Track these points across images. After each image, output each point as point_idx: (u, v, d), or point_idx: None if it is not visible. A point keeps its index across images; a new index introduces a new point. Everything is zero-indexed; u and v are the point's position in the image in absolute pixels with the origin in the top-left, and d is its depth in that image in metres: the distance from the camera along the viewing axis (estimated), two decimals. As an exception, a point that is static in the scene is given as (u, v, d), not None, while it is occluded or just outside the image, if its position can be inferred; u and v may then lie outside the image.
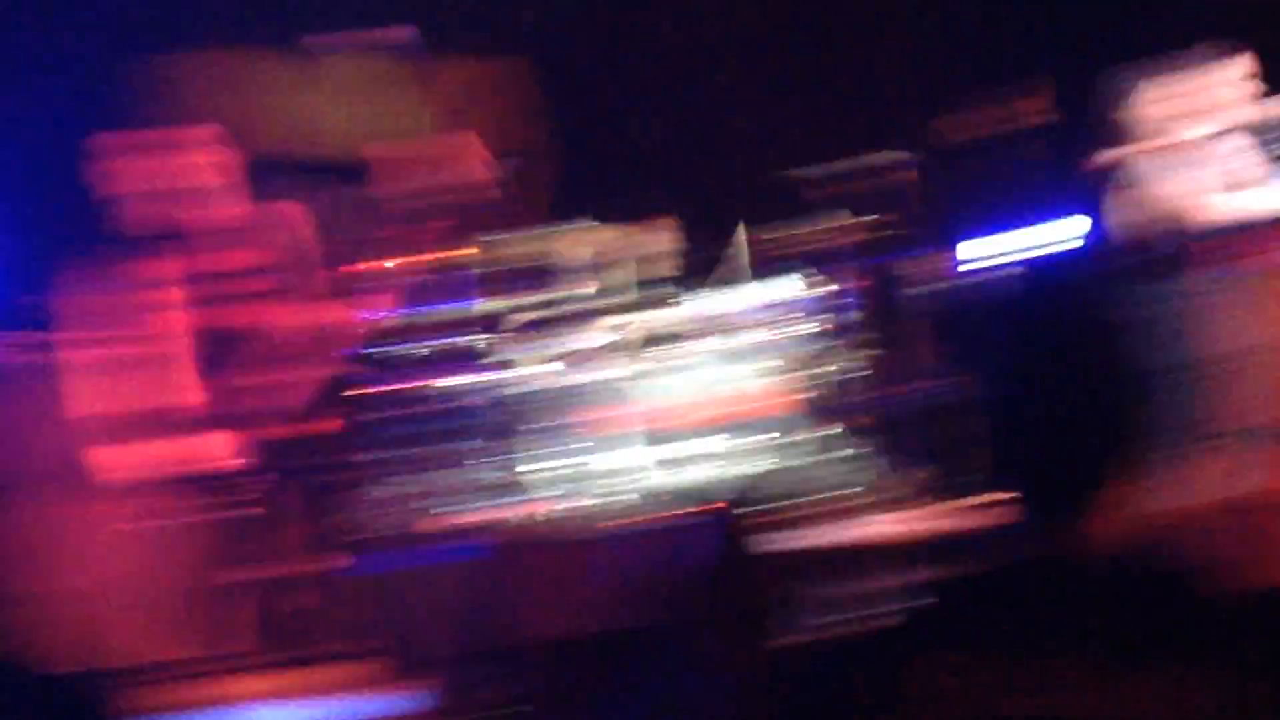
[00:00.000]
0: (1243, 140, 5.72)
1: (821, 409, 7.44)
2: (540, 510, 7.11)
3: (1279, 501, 6.13)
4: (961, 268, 8.02)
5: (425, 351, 7.26)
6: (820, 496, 7.16)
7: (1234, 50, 5.84)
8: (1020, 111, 7.57)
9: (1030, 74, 7.72)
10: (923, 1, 9.60)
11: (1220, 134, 5.75)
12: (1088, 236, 8.19)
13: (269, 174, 8.11)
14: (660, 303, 7.68)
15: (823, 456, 7.36)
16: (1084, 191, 8.27)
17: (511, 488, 6.26)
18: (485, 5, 9.19)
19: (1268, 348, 7.37)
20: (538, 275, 8.23)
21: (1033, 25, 9.46)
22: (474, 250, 7.13)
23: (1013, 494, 1.49)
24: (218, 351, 5.77)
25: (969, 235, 8.11)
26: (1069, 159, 8.04)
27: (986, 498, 7.20)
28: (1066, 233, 8.10)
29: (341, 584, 6.09)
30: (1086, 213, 8.28)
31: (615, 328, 7.62)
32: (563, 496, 7.23)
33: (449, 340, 7.42)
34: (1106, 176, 8.15)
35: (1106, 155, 6.93)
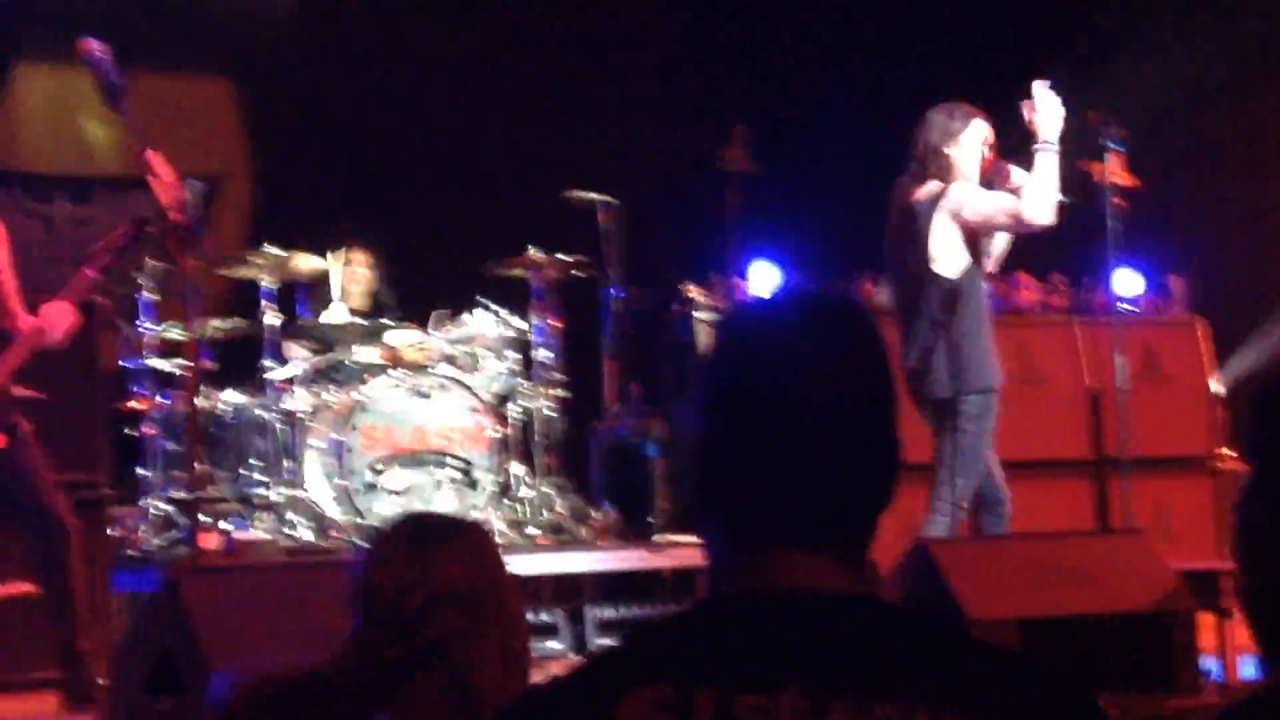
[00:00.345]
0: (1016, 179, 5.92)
1: (513, 445, 7.46)
2: (223, 538, 6.97)
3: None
4: (668, 308, 8.16)
5: (110, 372, 7.05)
6: (509, 531, 7.18)
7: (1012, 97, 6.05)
8: (729, 159, 7.73)
9: (737, 122, 7.89)
10: (638, 45, 9.76)
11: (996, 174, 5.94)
12: (788, 279, 8.42)
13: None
14: (356, 333, 7.62)
15: (514, 492, 7.39)
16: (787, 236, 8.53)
17: (197, 514, 6.12)
18: (188, 24, 9.02)
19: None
20: (228, 300, 8.08)
21: (734, 75, 9.70)
22: (161, 272, 6.96)
23: (707, 532, 1.52)
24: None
25: (676, 276, 8.24)
26: (775, 205, 8.28)
27: (680, 536, 7.33)
28: (772, 277, 8.32)
29: (14, 610, 5.88)
30: (787, 258, 8.52)
31: (306, 357, 7.52)
32: (248, 524, 7.10)
33: (135, 363, 7.24)
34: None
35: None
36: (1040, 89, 6.04)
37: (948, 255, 5.94)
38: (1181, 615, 4.49)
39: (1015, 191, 6.02)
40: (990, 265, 6.25)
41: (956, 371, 5.90)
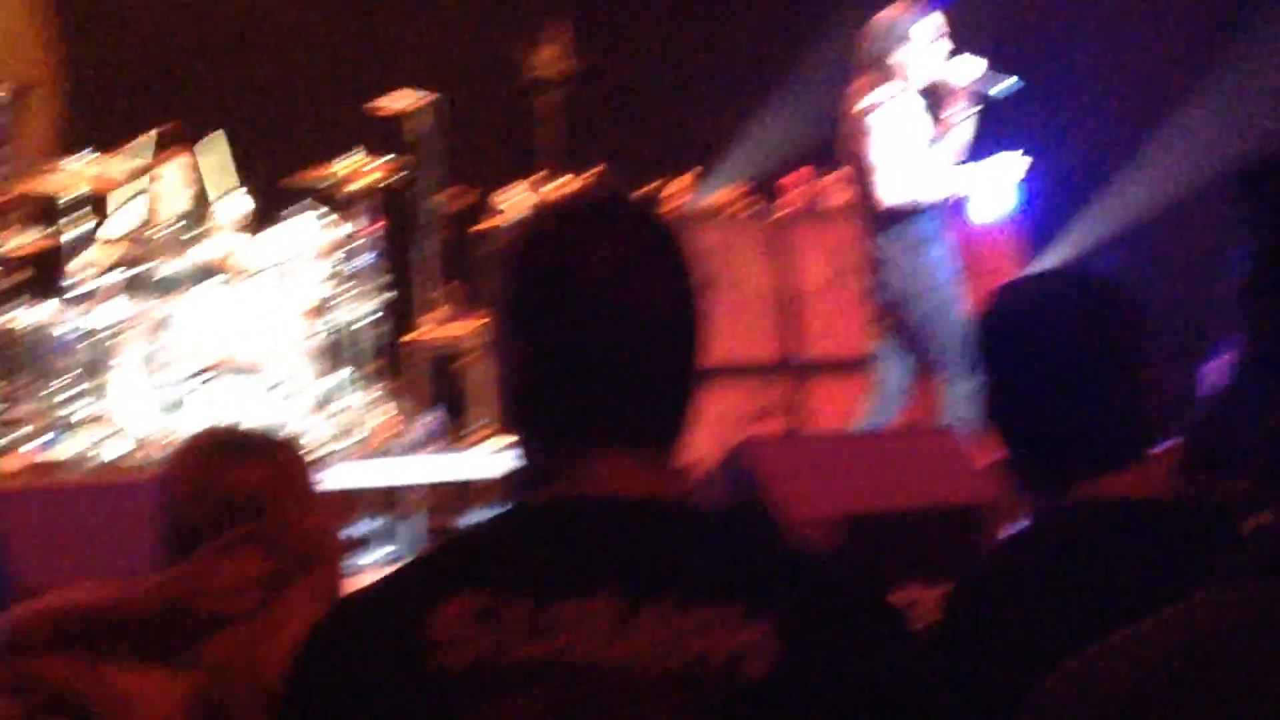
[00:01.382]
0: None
1: (335, 352, 7.38)
2: (29, 459, 6.80)
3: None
4: (487, 209, 8.08)
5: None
6: (332, 440, 7.12)
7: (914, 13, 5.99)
8: (542, 60, 7.66)
9: (555, 22, 7.81)
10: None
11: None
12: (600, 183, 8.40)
13: None
14: (168, 242, 7.45)
15: (335, 401, 7.32)
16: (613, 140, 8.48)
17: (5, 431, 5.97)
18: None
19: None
20: (37, 209, 7.86)
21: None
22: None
23: (519, 437, 1.51)
24: None
25: (496, 181, 8.16)
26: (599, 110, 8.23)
27: (502, 441, 7.31)
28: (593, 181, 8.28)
29: None
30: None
31: (117, 268, 7.33)
32: (55, 443, 6.94)
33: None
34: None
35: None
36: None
37: (883, 155, 6.00)
38: (984, 509, 4.64)
39: (965, 96, 6.09)
40: (954, 158, 6.27)
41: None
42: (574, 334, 1.57)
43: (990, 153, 6.46)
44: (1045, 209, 8.65)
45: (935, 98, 6.17)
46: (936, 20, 6.07)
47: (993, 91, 6.03)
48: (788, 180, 8.25)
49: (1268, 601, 1.06)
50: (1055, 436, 2.11)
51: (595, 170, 7.81)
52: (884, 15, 6.10)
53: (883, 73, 6.00)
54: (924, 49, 6.04)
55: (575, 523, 1.58)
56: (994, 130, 7.30)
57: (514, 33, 7.99)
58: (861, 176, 6.11)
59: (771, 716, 1.48)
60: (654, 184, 7.95)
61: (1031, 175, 8.14)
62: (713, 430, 7.17)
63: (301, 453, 2.59)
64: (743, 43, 9.26)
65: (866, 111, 6.00)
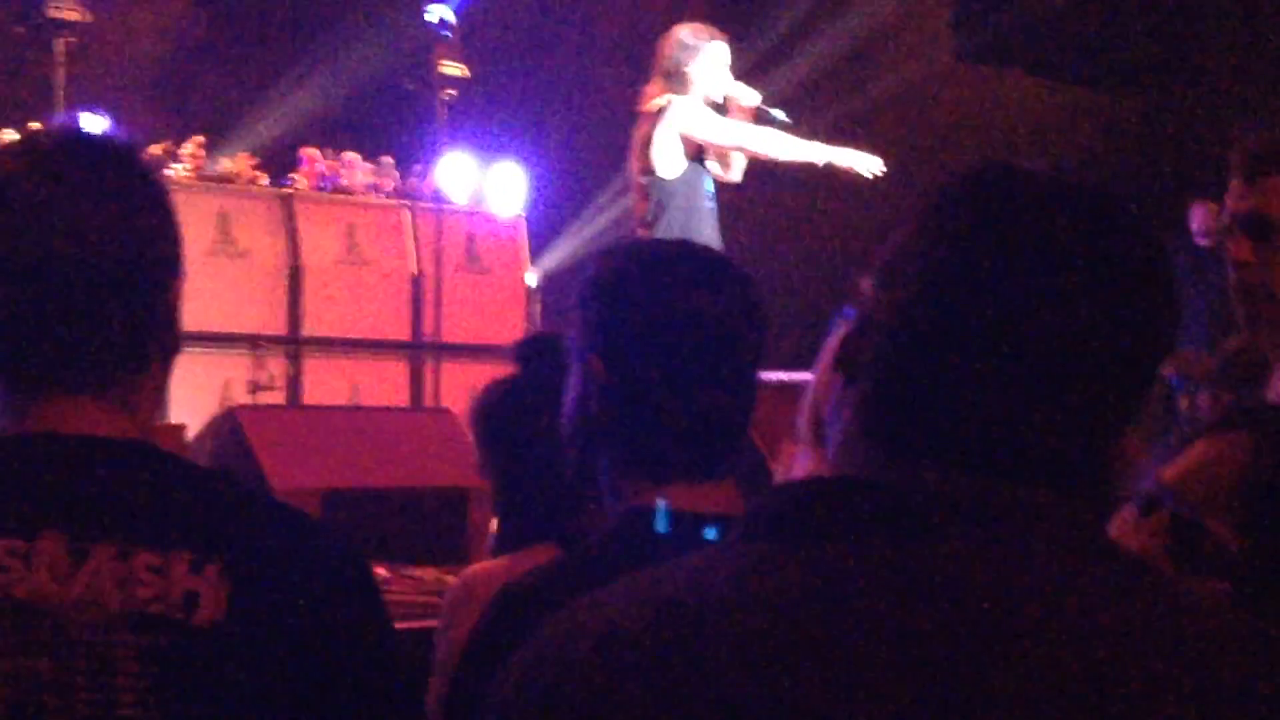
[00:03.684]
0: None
1: None
2: None
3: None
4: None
5: None
6: None
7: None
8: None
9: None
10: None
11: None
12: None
13: None
14: None
15: None
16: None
17: None
18: None
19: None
20: None
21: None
22: None
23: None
24: None
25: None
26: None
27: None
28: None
29: None
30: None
31: None
32: None
33: None
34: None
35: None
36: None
37: (664, 159, 6.11)
38: (476, 491, 4.68)
39: (748, 115, 6.21)
40: (735, 174, 6.36)
41: None
42: (12, 280, 1.53)
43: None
44: (546, 211, 8.88)
45: (725, 114, 6.36)
46: (725, 45, 6.30)
47: (777, 118, 6.29)
48: (305, 154, 8.16)
49: (762, 561, 1.10)
50: (660, 429, 1.86)
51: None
52: (682, 28, 6.33)
53: (675, 81, 6.17)
54: (714, 66, 6.25)
55: (22, 461, 1.53)
56: (497, 136, 7.44)
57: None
58: (641, 171, 6.25)
59: (221, 661, 1.48)
60: (162, 144, 7.70)
61: (535, 178, 8.35)
62: (214, 397, 7.04)
63: None
64: (263, 10, 9.12)
65: (656, 113, 6.14)
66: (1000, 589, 1.04)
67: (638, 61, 8.77)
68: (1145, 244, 1.15)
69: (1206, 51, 9.68)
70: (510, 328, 8.06)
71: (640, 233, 6.18)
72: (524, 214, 8.62)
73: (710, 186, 6.24)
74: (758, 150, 6.24)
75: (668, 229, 6.09)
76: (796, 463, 1.21)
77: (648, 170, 6.17)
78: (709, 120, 6.15)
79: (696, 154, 6.19)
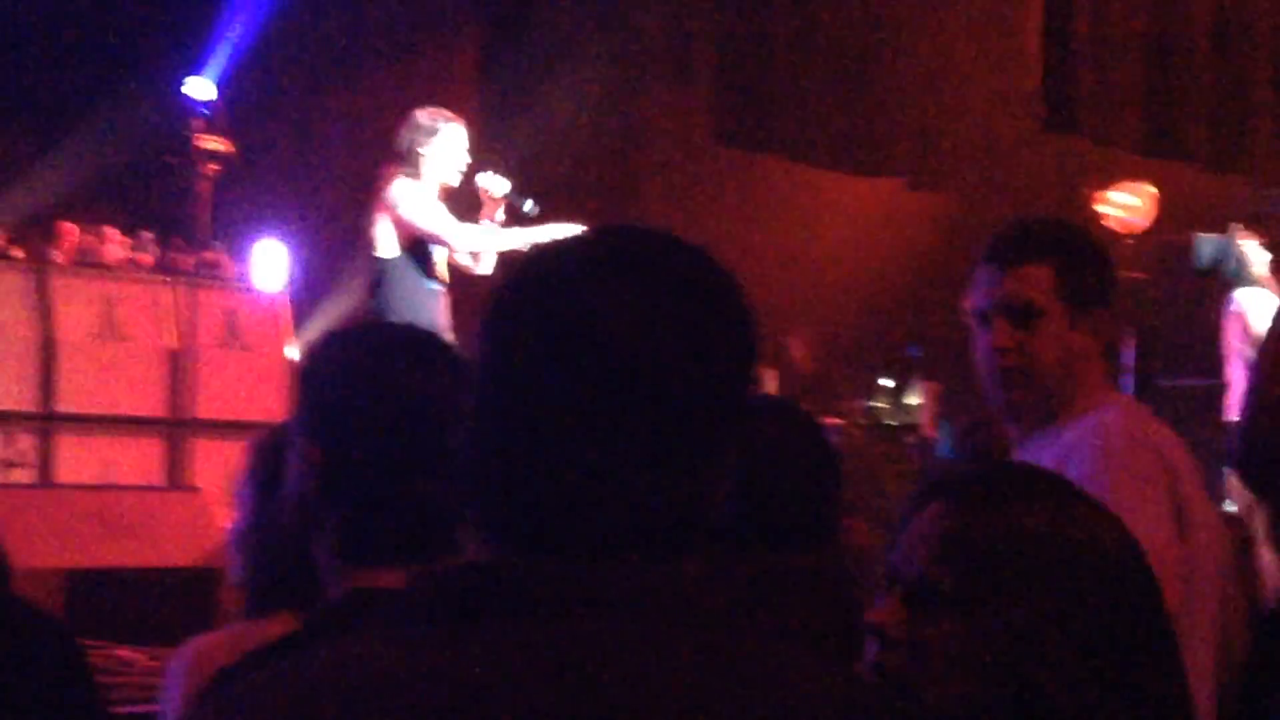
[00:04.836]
0: None
1: None
2: None
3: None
4: None
5: None
6: None
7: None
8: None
9: None
10: None
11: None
12: None
13: None
14: None
15: None
16: None
17: None
18: None
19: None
20: None
21: None
22: None
23: None
24: None
25: None
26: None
27: None
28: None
29: None
30: None
31: None
32: None
33: None
34: None
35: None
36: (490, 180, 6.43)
37: (385, 239, 6.21)
38: (222, 573, 4.65)
39: (497, 205, 6.36)
40: (483, 267, 6.39)
41: None
42: None
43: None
44: (306, 285, 8.86)
45: (475, 203, 6.44)
46: (462, 129, 6.39)
47: (525, 209, 6.34)
48: (62, 228, 8.02)
49: (407, 644, 1.15)
50: (376, 515, 1.88)
51: None
52: (420, 111, 6.38)
53: (409, 163, 6.15)
54: (450, 149, 6.32)
55: None
56: (257, 212, 7.42)
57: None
58: (369, 247, 6.31)
59: None
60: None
61: (295, 252, 8.34)
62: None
63: None
64: (20, 81, 8.97)
65: (390, 197, 6.21)
66: (612, 670, 1.11)
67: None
68: (699, 293, 1.20)
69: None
70: (271, 404, 8.00)
71: (359, 309, 6.29)
72: (287, 289, 8.57)
73: (439, 269, 6.32)
74: (456, 247, 6.35)
75: (384, 307, 6.21)
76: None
77: (370, 247, 6.26)
78: (421, 210, 6.23)
79: (414, 238, 6.26)
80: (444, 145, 6.32)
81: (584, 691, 1.09)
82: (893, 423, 9.39)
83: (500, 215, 6.48)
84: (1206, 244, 8.01)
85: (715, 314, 1.20)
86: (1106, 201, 9.06)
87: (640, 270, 1.19)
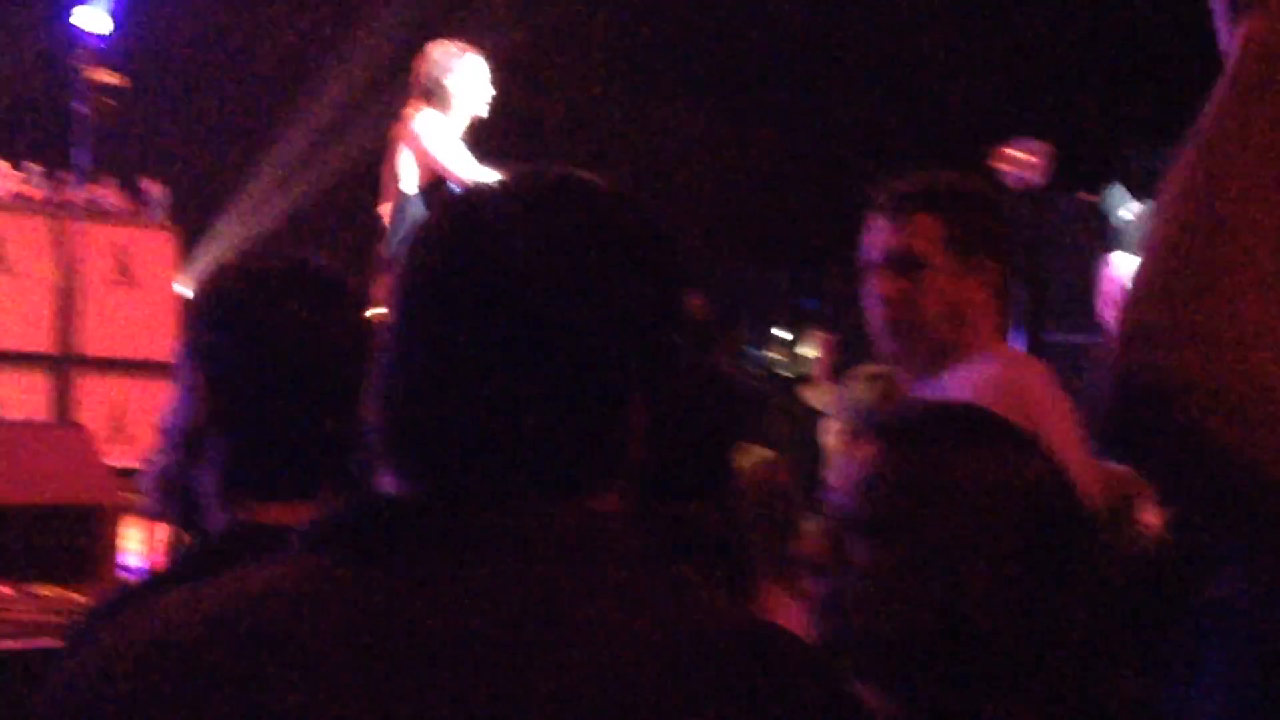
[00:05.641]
0: None
1: None
2: None
3: None
4: None
5: None
6: None
7: None
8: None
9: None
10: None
11: None
12: None
13: None
14: None
15: None
16: None
17: None
18: None
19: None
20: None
21: None
22: None
23: None
24: None
25: None
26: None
27: None
28: None
29: None
30: None
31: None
32: None
33: None
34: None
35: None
36: None
37: (407, 172, 6.17)
38: (105, 510, 4.58)
39: None
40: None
41: None
42: None
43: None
44: (196, 221, 8.78)
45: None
46: (481, 60, 6.36)
47: None
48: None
49: (311, 575, 1.14)
50: (261, 449, 1.87)
51: None
52: (435, 45, 6.35)
53: (436, 98, 6.20)
54: (473, 79, 6.30)
55: None
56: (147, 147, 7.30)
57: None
58: (391, 186, 6.26)
59: None
60: None
61: (185, 187, 8.23)
62: None
63: None
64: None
65: (409, 122, 6.18)
66: (515, 609, 1.11)
67: (300, 75, 8.76)
68: (606, 225, 1.21)
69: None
70: (159, 340, 7.90)
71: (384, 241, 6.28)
72: (176, 224, 8.45)
73: None
74: (458, 176, 6.29)
75: (399, 241, 6.19)
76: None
77: (394, 179, 6.22)
78: (444, 146, 6.19)
79: (434, 174, 6.21)
80: (467, 76, 6.30)
81: (486, 629, 1.09)
82: (788, 374, 9.43)
83: None
84: (1118, 195, 8.01)
85: (632, 258, 1.21)
86: (1004, 158, 9.10)
87: (558, 210, 1.20)
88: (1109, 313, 7.59)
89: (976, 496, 1.58)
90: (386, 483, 1.20)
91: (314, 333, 1.86)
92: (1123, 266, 7.70)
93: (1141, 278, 1.12)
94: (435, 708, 1.06)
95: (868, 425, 1.68)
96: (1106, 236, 7.96)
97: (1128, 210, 7.95)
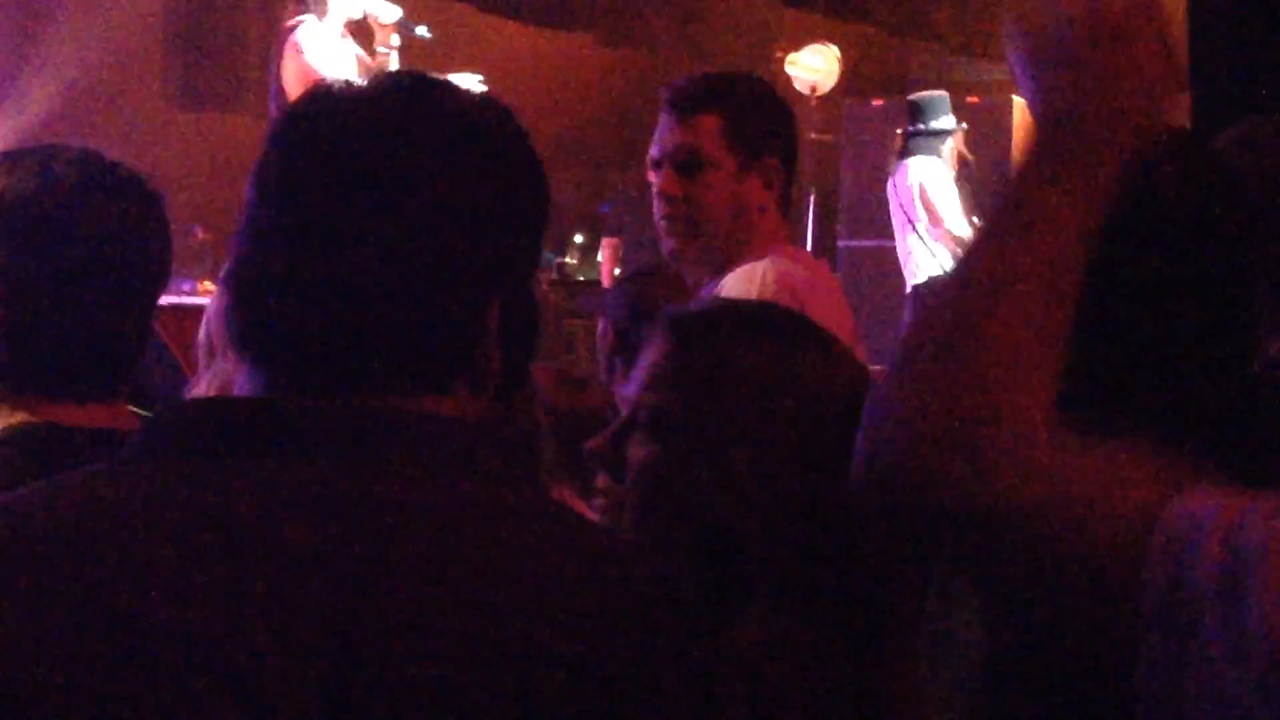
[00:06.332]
0: None
1: None
2: None
3: None
4: None
5: None
6: None
7: None
8: None
9: None
10: None
11: None
12: None
13: None
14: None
15: None
16: None
17: None
18: None
19: None
20: None
21: None
22: None
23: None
24: None
25: None
26: None
27: None
28: None
29: None
30: None
31: None
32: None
33: None
34: None
35: None
36: None
37: (290, 79, 5.85)
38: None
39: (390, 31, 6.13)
40: None
41: None
42: None
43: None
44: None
45: (365, 32, 6.18)
46: None
47: (418, 33, 6.11)
48: None
49: (150, 479, 1.11)
50: (48, 348, 1.81)
51: None
52: None
53: (312, 5, 5.99)
54: None
55: None
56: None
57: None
58: (279, 95, 5.99)
59: None
60: None
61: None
62: None
63: None
64: None
65: (291, 34, 5.94)
66: (364, 508, 1.09)
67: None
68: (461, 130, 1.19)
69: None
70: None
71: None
72: None
73: None
74: None
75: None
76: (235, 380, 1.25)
77: (278, 84, 6.05)
78: (326, 53, 6.03)
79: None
80: None
81: (332, 529, 1.07)
82: (582, 278, 9.45)
83: (395, 41, 6.29)
84: (935, 102, 7.93)
85: (493, 155, 1.20)
86: (794, 64, 9.18)
87: (421, 101, 1.19)
88: (908, 214, 7.63)
89: (759, 392, 1.54)
90: (239, 380, 1.18)
91: (101, 230, 1.79)
92: (920, 172, 7.64)
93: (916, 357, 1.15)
94: (281, 610, 1.04)
95: (658, 322, 1.65)
96: (905, 143, 7.89)
97: (948, 119, 7.90)
